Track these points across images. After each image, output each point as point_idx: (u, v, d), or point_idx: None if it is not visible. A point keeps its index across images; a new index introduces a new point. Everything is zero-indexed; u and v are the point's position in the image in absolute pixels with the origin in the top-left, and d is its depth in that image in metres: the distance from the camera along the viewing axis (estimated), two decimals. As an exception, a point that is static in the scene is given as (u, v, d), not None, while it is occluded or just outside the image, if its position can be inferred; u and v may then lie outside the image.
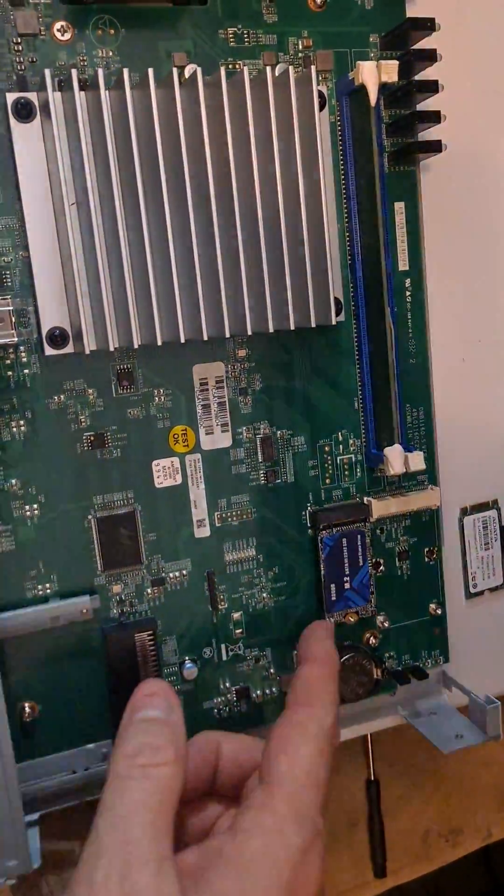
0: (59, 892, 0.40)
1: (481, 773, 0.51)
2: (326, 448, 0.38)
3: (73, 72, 0.30)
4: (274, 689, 0.38)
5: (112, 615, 0.35)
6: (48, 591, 0.34)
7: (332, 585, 0.38)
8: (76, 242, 0.31)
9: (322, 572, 0.38)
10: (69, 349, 0.32)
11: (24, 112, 0.31)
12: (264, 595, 0.38)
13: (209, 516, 0.36)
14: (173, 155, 0.31)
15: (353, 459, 0.38)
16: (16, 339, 0.31)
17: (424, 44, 0.35)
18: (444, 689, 0.42)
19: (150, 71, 0.30)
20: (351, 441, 0.38)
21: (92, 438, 0.34)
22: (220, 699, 0.37)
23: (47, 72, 0.30)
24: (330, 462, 0.38)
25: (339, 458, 0.38)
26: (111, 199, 0.31)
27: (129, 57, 0.33)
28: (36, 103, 0.31)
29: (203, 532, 0.36)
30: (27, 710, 0.34)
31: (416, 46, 0.35)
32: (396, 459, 0.36)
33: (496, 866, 0.79)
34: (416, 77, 0.36)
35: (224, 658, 0.37)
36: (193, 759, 0.28)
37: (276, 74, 0.32)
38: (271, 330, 0.33)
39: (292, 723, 0.28)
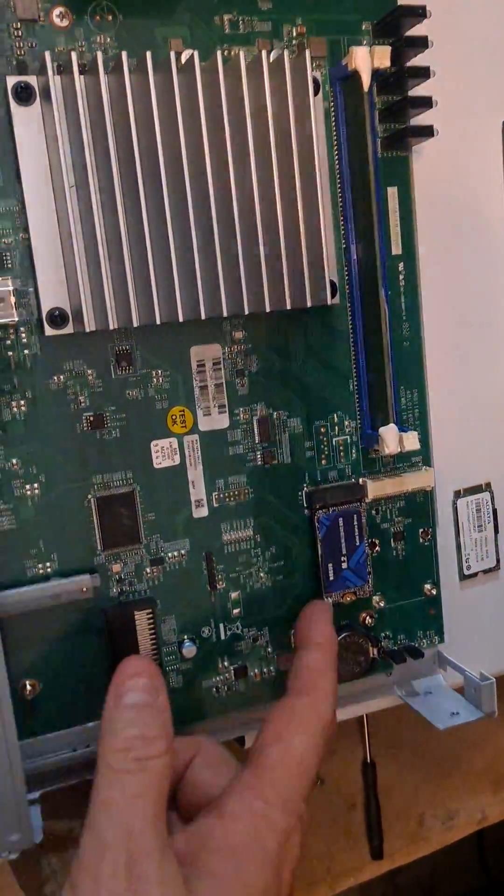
0: (60, 870, 0.40)
1: (476, 755, 0.51)
2: (322, 429, 0.38)
3: (73, 55, 0.30)
4: (272, 668, 0.39)
5: (112, 594, 0.36)
6: (49, 569, 0.35)
7: (330, 565, 0.38)
8: (76, 224, 0.32)
9: (319, 552, 0.38)
10: (69, 329, 0.33)
11: (25, 95, 0.32)
12: (262, 575, 0.38)
13: (207, 496, 0.37)
14: (171, 138, 0.32)
15: (349, 441, 0.39)
16: (16, 318, 0.32)
17: (416, 31, 0.36)
18: (439, 669, 0.42)
19: (148, 54, 0.31)
20: (346, 422, 0.39)
21: (91, 419, 0.35)
22: (218, 678, 0.38)
23: (48, 54, 0.30)
24: (325, 443, 0.39)
25: (334, 440, 0.39)
26: (110, 181, 0.31)
27: (126, 43, 0.33)
28: (36, 87, 0.32)
29: (201, 512, 0.37)
30: (28, 687, 0.34)
31: (407, 33, 0.36)
32: (391, 439, 0.37)
33: (490, 862, 0.79)
34: (408, 63, 0.36)
35: (222, 637, 0.38)
36: None
37: (272, 60, 0.33)
38: (268, 309, 0.34)
39: (289, 711, 0.29)
